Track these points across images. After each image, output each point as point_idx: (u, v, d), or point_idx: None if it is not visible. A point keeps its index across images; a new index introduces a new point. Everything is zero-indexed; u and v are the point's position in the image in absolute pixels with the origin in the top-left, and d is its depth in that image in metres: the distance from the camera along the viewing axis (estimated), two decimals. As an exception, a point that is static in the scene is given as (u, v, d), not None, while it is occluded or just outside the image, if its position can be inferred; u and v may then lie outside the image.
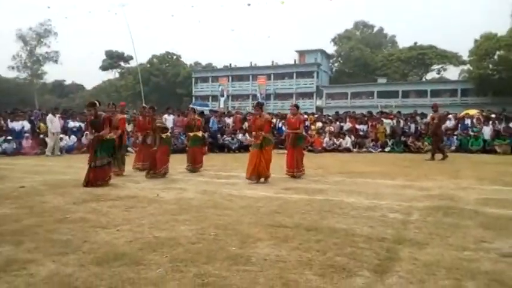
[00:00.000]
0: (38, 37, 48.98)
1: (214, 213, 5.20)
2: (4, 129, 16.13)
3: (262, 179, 8.18)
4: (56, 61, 51.44)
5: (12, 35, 47.54)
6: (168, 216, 5.06)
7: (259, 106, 8.84)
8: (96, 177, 7.60)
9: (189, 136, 10.47)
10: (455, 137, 16.96)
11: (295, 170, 8.95)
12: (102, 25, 73.95)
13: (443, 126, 17.16)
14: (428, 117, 14.65)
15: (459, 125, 17.74)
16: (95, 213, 5.27)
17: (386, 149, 17.04)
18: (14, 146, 15.48)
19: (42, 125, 16.67)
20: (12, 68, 49.89)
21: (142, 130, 10.49)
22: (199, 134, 10.61)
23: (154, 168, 8.92)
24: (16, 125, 16.33)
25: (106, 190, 7.12)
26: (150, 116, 10.13)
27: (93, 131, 7.93)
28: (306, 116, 19.51)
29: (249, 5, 27.74)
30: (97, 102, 8.09)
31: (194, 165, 10.12)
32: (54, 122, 15.28)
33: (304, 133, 9.58)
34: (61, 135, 16.15)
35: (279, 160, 9.46)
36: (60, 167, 11.38)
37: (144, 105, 12.40)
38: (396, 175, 9.23)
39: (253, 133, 8.54)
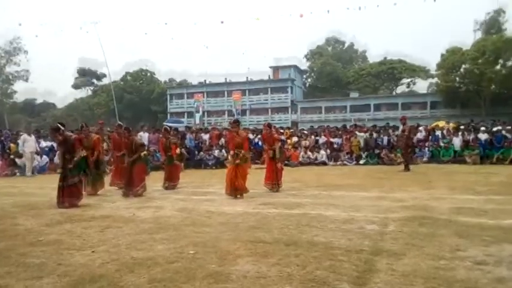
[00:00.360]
0: (7, 56, 47.80)
1: (192, 231, 5.14)
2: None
3: (238, 195, 8.17)
4: (26, 80, 50.26)
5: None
6: (145, 235, 4.98)
7: (236, 123, 8.88)
8: (69, 196, 7.40)
9: (167, 156, 10.39)
10: (426, 148, 17.38)
11: (275, 182, 9.02)
12: (74, 42, 73.00)
13: (414, 138, 17.63)
14: (400, 130, 14.96)
15: (430, 137, 18.19)
16: (69, 234, 5.14)
17: (361, 162, 17.29)
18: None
19: (12, 145, 16.20)
20: (-20, 88, 48.56)
21: (118, 148, 10.28)
22: (177, 152, 10.61)
23: (131, 186, 8.78)
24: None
25: (80, 210, 6.96)
26: (125, 137, 9.82)
27: (63, 152, 7.75)
28: (282, 131, 19.69)
29: (222, 22, 27.99)
30: (60, 126, 7.81)
31: (171, 183, 10.04)
32: (28, 142, 14.91)
33: (280, 148, 9.65)
34: (33, 155, 15.78)
35: (256, 175, 9.47)
36: (32, 188, 11.06)
37: (119, 122, 12.14)
38: (371, 187, 9.37)
39: (231, 152, 8.53)
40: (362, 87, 52.01)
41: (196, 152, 17.81)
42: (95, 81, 63.38)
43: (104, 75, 57.26)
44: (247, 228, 5.29)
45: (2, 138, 17.31)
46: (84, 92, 64.35)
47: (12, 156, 15.62)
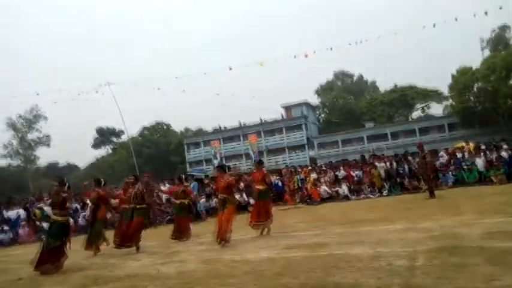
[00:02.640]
0: (28, 123, 49.51)
1: (217, 284, 5.07)
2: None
3: (222, 242, 8.08)
4: (48, 145, 51.69)
5: (1, 123, 47.55)
6: (171, 292, 4.92)
7: (221, 168, 9.26)
8: (50, 258, 7.32)
9: (175, 204, 10.44)
10: (450, 173, 17.00)
11: (263, 220, 9.14)
12: (91, 104, 75.69)
13: (437, 163, 17.34)
14: (419, 157, 14.69)
15: (451, 160, 17.83)
16: (95, 299, 5.12)
17: (384, 193, 16.97)
18: (11, 236, 15.23)
19: (37, 211, 16.46)
20: (5, 156, 49.99)
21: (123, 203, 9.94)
22: (186, 201, 10.47)
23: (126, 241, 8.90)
24: (11, 214, 16.10)
25: (105, 271, 6.94)
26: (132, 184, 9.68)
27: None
28: (299, 169, 19.68)
29: (230, 69, 28.70)
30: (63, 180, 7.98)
31: (180, 234, 9.93)
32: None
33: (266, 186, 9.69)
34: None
35: (280, 217, 9.41)
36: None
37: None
38: (397, 219, 9.14)
39: (218, 195, 8.67)
40: (376, 117, 51.87)
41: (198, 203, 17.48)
42: (114, 139, 65.03)
43: (122, 133, 58.73)
44: (272, 275, 5.18)
45: (27, 205, 17.63)
46: (104, 151, 65.91)
47: (38, 223, 15.84)
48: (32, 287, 6.35)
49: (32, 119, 49.43)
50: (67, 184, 7.96)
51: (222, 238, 8.10)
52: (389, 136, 46.45)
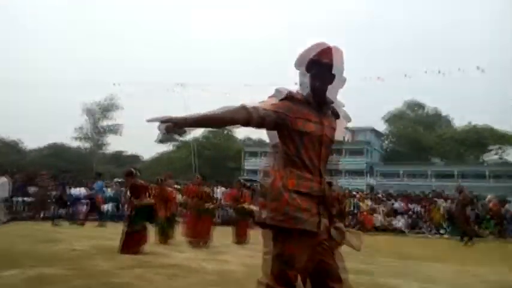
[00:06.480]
0: (103, 111, 52.56)
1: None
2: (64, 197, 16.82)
3: None
4: (120, 134, 54.73)
5: (77, 108, 51.05)
6: (209, 287, 5.06)
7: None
8: (129, 243, 7.58)
9: (239, 208, 10.61)
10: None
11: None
12: (160, 102, 78.90)
13: (503, 210, 16.24)
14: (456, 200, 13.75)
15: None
16: (139, 279, 5.38)
17: (441, 231, 16.11)
18: (70, 212, 16.23)
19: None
20: (76, 138, 53.53)
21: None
22: (246, 206, 10.71)
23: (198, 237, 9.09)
24: (74, 192, 17.03)
25: (152, 257, 7.25)
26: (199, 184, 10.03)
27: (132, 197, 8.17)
28: (355, 193, 19.27)
29: (296, 84, 28.78)
30: (133, 170, 8.43)
31: (240, 238, 10.12)
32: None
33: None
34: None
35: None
36: (112, 233, 11.73)
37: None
38: (450, 259, 8.68)
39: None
40: (445, 153, 49.39)
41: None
42: (177, 137, 67.36)
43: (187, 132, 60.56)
44: (310, 289, 5.15)
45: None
46: (168, 147, 68.49)
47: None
48: (84, 259, 6.79)
49: (107, 107, 52.46)
50: (134, 172, 8.37)
51: None
52: (456, 176, 43.94)
